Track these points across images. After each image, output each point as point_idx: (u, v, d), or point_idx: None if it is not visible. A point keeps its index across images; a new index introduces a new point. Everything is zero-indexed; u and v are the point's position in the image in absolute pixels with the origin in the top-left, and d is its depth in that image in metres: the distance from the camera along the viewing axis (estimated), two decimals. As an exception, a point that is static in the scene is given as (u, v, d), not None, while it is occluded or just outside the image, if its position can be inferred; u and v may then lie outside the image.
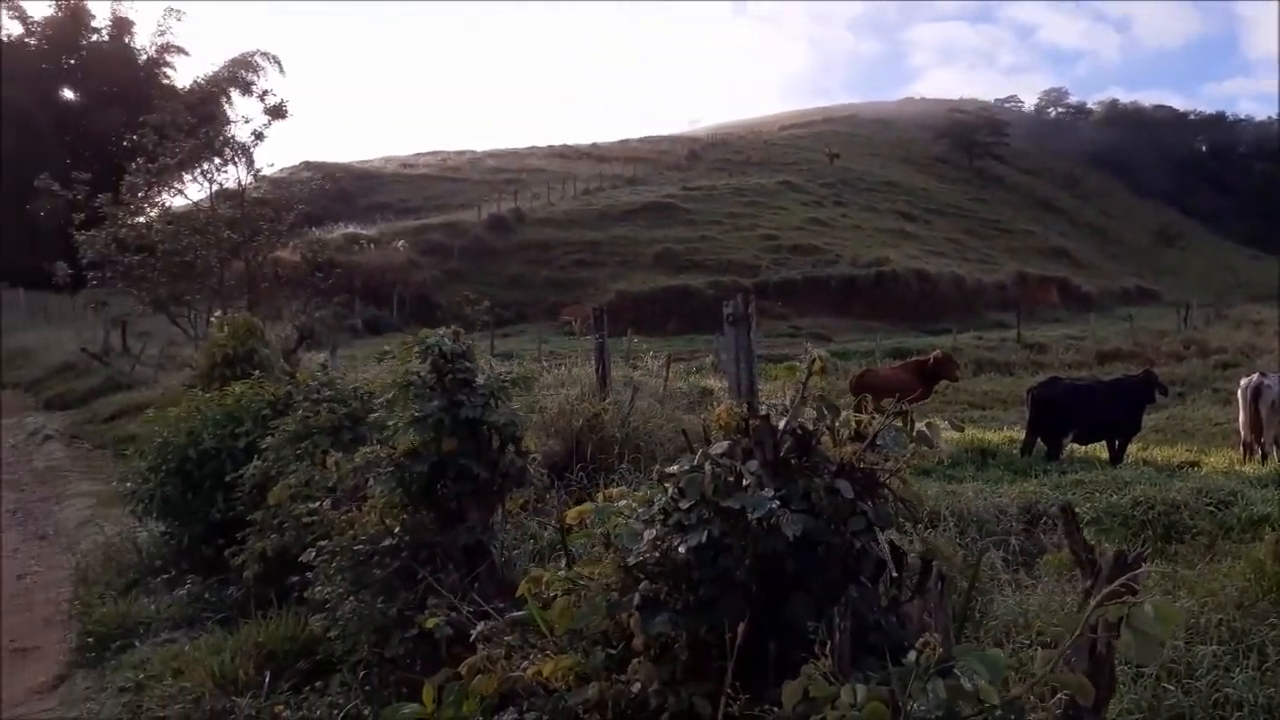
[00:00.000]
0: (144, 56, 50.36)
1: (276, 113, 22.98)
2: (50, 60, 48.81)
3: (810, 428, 2.72)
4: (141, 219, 21.29)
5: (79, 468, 13.33)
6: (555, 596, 2.88)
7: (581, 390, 8.37)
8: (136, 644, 5.82)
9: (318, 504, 4.84)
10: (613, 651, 2.77)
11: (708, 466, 2.68)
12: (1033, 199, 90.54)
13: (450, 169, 77.32)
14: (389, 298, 42.06)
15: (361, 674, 4.32)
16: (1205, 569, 5.28)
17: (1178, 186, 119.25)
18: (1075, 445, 12.46)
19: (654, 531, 2.70)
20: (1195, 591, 4.76)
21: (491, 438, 4.46)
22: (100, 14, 50.51)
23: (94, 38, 50.03)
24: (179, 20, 55.22)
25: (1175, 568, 5.45)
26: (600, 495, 3.17)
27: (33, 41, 48.86)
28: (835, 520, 2.57)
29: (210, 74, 47.51)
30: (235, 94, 46.23)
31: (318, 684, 4.51)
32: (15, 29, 48.44)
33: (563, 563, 3.29)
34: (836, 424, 2.78)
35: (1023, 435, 12.68)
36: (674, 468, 2.77)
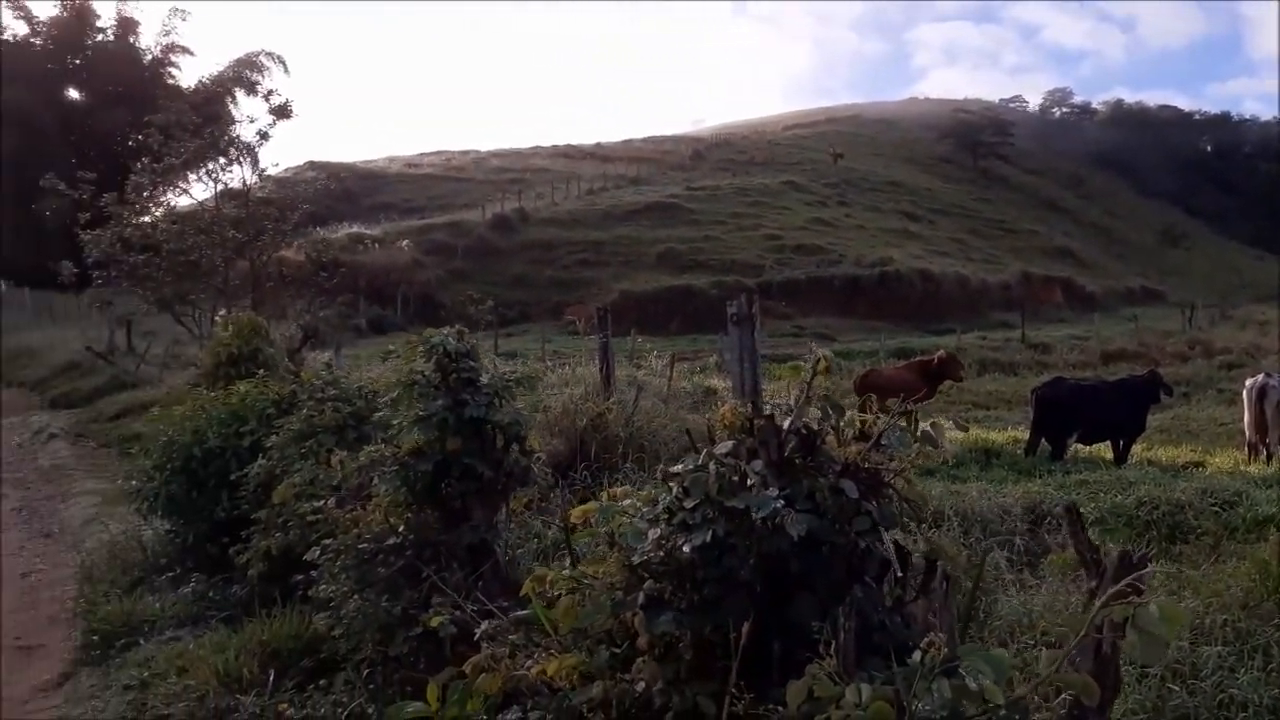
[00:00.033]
0: (149, 56, 50.41)
1: (281, 112, 22.97)
2: (55, 60, 48.90)
3: (815, 427, 2.72)
4: (147, 218, 21.36)
5: (84, 466, 13.35)
6: (559, 595, 2.88)
7: (585, 390, 8.37)
8: (141, 642, 5.82)
9: (322, 502, 4.85)
10: (617, 651, 2.77)
11: (712, 466, 2.68)
12: (1037, 199, 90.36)
13: (454, 169, 77.37)
14: (393, 297, 42.10)
15: (366, 672, 4.32)
16: (1210, 570, 5.28)
17: (1182, 186, 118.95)
18: (1080, 445, 12.44)
19: (658, 531, 2.70)
20: (1200, 592, 4.76)
21: (496, 437, 4.46)
22: (105, 14, 50.87)
23: (99, 37, 50.09)
24: (184, 20, 55.31)
25: (1180, 568, 5.45)
26: (604, 494, 3.17)
27: (38, 41, 48.94)
28: (840, 520, 2.57)
29: (215, 74, 47.59)
30: (240, 94, 46.28)
31: (322, 682, 4.51)
32: (21, 29, 48.60)
33: (567, 562, 3.29)
34: (841, 424, 2.77)
35: (1027, 435, 12.67)
36: (678, 467, 2.77)
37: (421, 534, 4.33)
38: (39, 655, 6.23)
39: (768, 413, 2.76)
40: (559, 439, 7.50)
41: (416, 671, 3.89)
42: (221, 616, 5.93)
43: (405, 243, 45.30)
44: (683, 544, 2.60)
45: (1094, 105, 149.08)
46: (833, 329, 40.41)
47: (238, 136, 22.49)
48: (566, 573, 2.93)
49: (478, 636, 3.10)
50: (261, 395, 7.27)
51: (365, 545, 4.33)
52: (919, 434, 2.71)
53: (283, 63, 47.67)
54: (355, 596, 4.32)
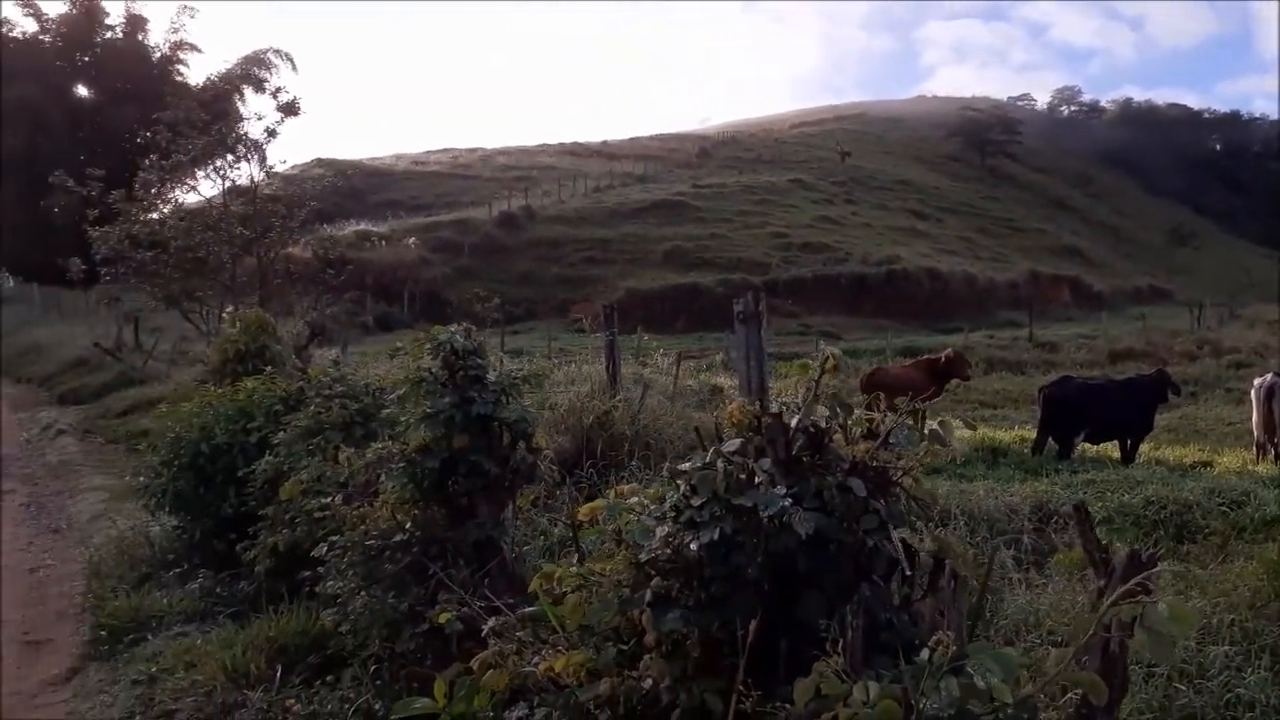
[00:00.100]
0: (158, 54, 50.50)
1: (289, 110, 22.98)
2: (64, 57, 49.04)
3: (822, 426, 2.71)
4: (155, 215, 21.38)
5: (91, 462, 13.40)
6: (566, 592, 2.88)
7: (592, 387, 8.39)
8: (149, 637, 5.85)
9: (329, 499, 4.87)
10: (624, 648, 2.77)
11: (720, 464, 2.67)
12: (1045, 197, 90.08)
13: (461, 166, 77.47)
14: (400, 294, 42.18)
15: (372, 668, 4.34)
16: (1217, 569, 5.26)
17: (1191, 185, 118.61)
18: (1087, 444, 12.41)
19: (666, 528, 2.69)
20: (1207, 592, 4.74)
21: (502, 434, 4.47)
22: (114, 11, 50.61)
23: (108, 35, 50.16)
24: (192, 18, 55.49)
25: (1187, 568, 5.43)
26: (611, 492, 3.17)
27: (47, 38, 49.07)
28: (847, 518, 2.57)
29: (223, 71, 47.66)
30: (248, 91, 46.33)
31: (329, 678, 4.53)
32: (30, 26, 48.73)
33: (574, 559, 3.29)
34: (849, 422, 2.77)
35: (1034, 434, 12.64)
36: (686, 465, 2.76)
37: (428, 531, 4.33)
38: (47, 650, 6.26)
39: (775, 411, 2.76)
40: (565, 436, 7.50)
41: (423, 668, 3.89)
42: (229, 612, 5.96)
43: (412, 240, 45.42)
44: (690, 542, 2.60)
45: (1103, 104, 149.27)
46: (839, 327, 40.36)
47: (245, 134, 22.56)
48: (574, 570, 2.93)
49: (484, 633, 3.11)
50: (269, 392, 7.29)
51: (372, 542, 4.34)
52: (926, 433, 2.70)
53: (291, 60, 47.86)
54: (362, 593, 4.33)
